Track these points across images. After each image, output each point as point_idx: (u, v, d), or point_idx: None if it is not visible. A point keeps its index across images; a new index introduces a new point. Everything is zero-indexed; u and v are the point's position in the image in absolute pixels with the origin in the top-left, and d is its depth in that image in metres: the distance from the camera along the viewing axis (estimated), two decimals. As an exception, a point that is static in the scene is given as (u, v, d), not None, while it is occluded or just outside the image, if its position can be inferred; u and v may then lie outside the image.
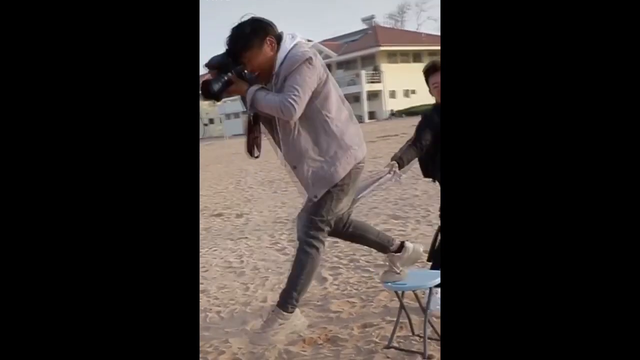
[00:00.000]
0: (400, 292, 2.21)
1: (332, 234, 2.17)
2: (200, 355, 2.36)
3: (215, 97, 1.89)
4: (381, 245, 2.29)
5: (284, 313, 2.00)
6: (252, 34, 1.95)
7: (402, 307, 2.22)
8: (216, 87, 1.87)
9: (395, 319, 2.25)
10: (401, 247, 2.28)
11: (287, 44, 1.98)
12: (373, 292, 2.96)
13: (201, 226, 5.90)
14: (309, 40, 2.08)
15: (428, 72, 2.55)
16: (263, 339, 2.04)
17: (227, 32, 2.00)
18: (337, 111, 2.03)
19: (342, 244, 3.79)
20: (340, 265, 3.62)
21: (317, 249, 2.02)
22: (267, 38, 1.98)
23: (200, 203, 7.64)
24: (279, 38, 2.00)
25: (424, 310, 2.14)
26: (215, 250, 4.69)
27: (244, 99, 1.99)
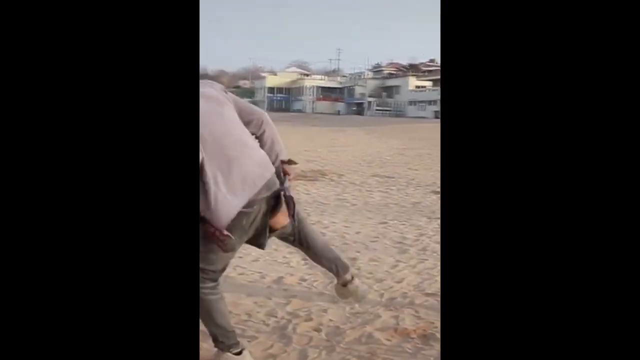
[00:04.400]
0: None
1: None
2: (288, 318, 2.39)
3: None
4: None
5: None
6: None
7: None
8: None
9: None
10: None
11: None
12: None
13: (412, 200, 5.78)
14: None
15: None
16: None
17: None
18: None
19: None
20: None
21: None
22: None
23: (420, 180, 7.47)
24: None
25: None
26: (403, 224, 4.53)
27: None
